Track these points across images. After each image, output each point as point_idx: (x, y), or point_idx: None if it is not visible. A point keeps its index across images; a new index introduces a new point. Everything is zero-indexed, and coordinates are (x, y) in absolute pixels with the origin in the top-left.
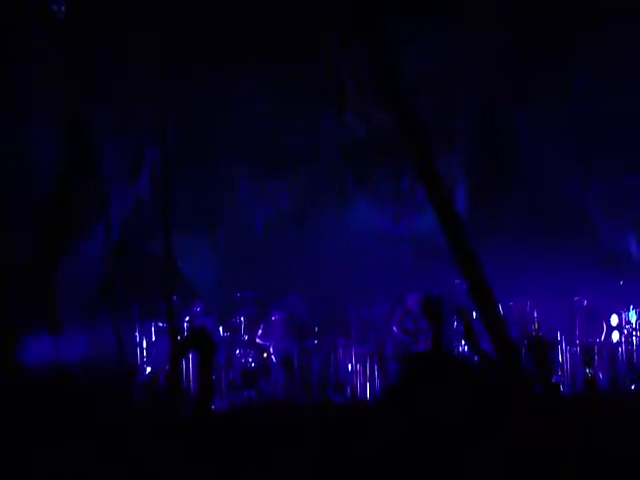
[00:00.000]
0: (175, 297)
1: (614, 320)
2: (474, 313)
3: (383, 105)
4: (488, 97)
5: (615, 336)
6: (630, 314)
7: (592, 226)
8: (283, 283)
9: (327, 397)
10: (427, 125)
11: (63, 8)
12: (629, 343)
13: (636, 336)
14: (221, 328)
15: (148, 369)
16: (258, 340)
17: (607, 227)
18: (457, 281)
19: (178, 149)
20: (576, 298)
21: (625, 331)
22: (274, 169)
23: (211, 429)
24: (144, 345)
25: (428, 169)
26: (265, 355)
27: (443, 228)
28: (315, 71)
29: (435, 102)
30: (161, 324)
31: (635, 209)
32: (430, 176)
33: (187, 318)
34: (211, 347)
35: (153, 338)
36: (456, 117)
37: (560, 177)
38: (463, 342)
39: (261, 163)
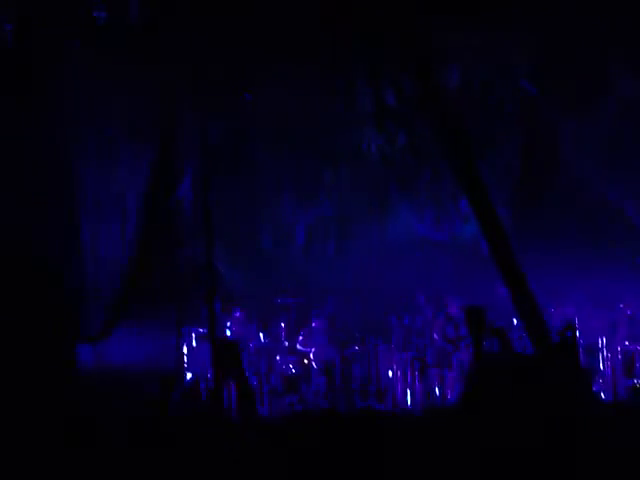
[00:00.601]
0: (216, 303)
1: None
2: (514, 320)
3: (424, 113)
4: (530, 103)
5: None
6: None
7: (636, 234)
8: (324, 289)
9: (369, 404)
10: (469, 131)
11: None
12: None
13: None
14: (261, 334)
15: (189, 375)
16: (299, 346)
17: None
18: (500, 289)
19: (219, 155)
20: (621, 305)
21: None
22: (315, 174)
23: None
24: (184, 351)
25: (470, 176)
26: (306, 362)
27: (485, 235)
28: (356, 78)
29: (477, 108)
30: (202, 330)
31: None
32: (472, 183)
33: (228, 324)
34: (239, 359)
35: (194, 344)
36: (498, 123)
37: (603, 184)
38: None
39: (302, 169)
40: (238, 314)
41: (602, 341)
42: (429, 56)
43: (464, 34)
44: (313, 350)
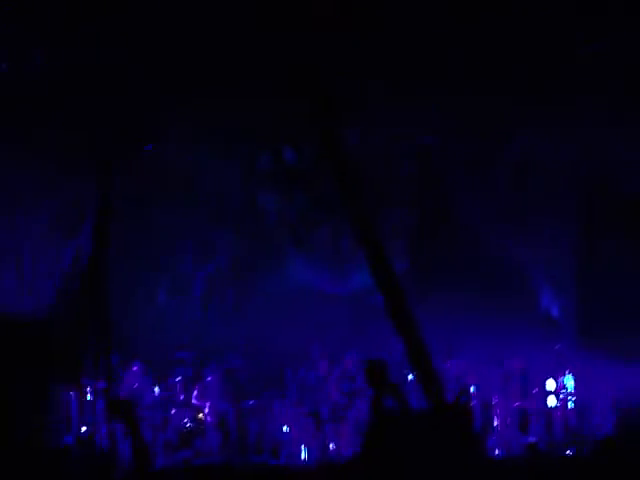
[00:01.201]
0: (114, 356)
1: (550, 384)
2: (410, 376)
3: (323, 170)
4: (426, 158)
5: (551, 401)
6: (566, 379)
7: (531, 290)
8: (220, 343)
9: (263, 459)
10: (366, 186)
11: None
12: (564, 408)
13: (571, 400)
14: (157, 388)
15: (83, 428)
16: (194, 400)
17: (545, 291)
18: (396, 343)
19: (117, 207)
20: (514, 361)
21: (561, 396)
22: (214, 228)
23: None
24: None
25: (367, 231)
26: (201, 416)
27: (380, 289)
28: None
29: (375, 162)
30: (99, 384)
31: (571, 271)
32: (368, 238)
33: (123, 377)
34: (132, 416)
35: (88, 397)
36: (394, 177)
37: (498, 238)
38: None
39: (201, 222)
40: (136, 368)
41: (496, 397)
42: (329, 116)
43: (364, 95)
44: (208, 404)
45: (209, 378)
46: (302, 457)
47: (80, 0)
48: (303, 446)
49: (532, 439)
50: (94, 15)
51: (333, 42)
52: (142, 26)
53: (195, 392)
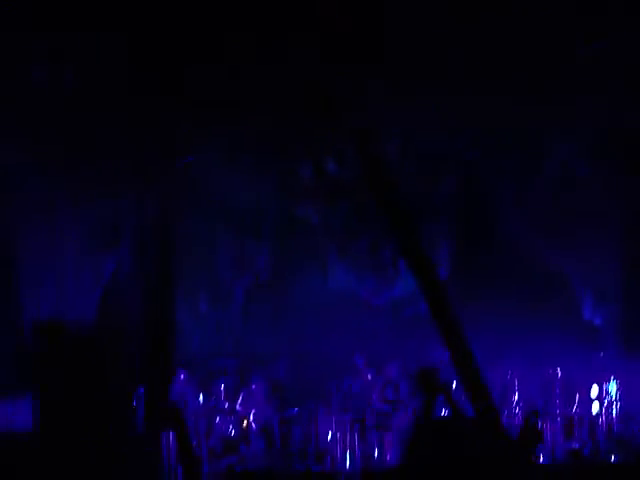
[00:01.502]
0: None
1: (594, 391)
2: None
3: (364, 180)
4: (469, 165)
5: (595, 407)
6: (610, 385)
7: (573, 298)
8: (264, 351)
9: (307, 466)
10: (409, 195)
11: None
12: (609, 414)
13: (616, 407)
14: (201, 396)
15: None
16: (238, 408)
17: (587, 299)
18: (438, 350)
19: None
20: (552, 370)
21: (605, 402)
22: (255, 237)
23: None
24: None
25: (410, 241)
26: (245, 423)
27: (425, 298)
28: (295, 141)
29: (417, 171)
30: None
31: (613, 279)
32: (412, 248)
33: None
34: (182, 424)
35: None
36: (437, 186)
37: (541, 246)
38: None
39: (242, 231)
40: (182, 376)
41: (540, 404)
42: (368, 126)
43: (404, 103)
44: (253, 412)
45: (253, 386)
46: (346, 464)
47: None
48: (347, 453)
49: (575, 445)
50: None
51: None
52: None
53: (240, 399)
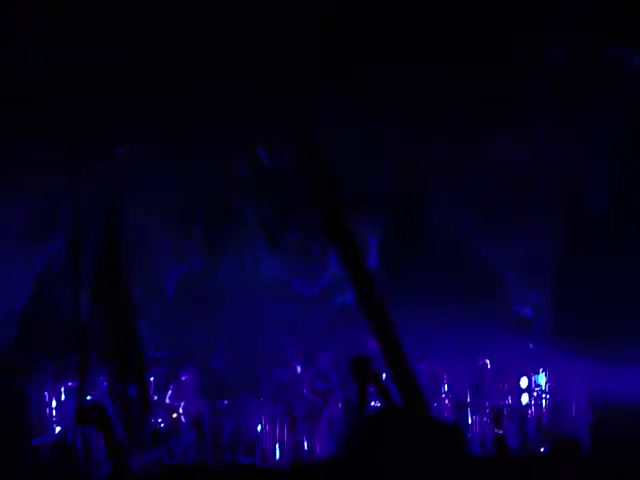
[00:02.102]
0: (91, 356)
1: (524, 382)
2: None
3: (297, 172)
4: (401, 158)
5: (524, 398)
6: (539, 377)
7: (503, 289)
8: (196, 343)
9: (236, 458)
10: (340, 186)
11: None
12: (538, 405)
13: (545, 399)
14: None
15: (57, 428)
16: (168, 400)
17: (517, 289)
18: (369, 341)
19: (91, 210)
20: (481, 362)
21: (535, 393)
22: (186, 231)
23: None
24: (53, 405)
25: (340, 231)
26: (175, 415)
27: (354, 287)
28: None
29: (349, 164)
30: (70, 383)
31: (544, 271)
32: (341, 238)
33: (101, 377)
34: (104, 420)
35: (62, 397)
36: (369, 178)
37: (472, 237)
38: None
39: (176, 222)
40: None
41: (470, 396)
42: (302, 119)
43: (336, 98)
44: (182, 404)
45: (183, 377)
46: (276, 456)
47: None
48: (277, 445)
49: (499, 432)
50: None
51: None
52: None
53: (169, 392)
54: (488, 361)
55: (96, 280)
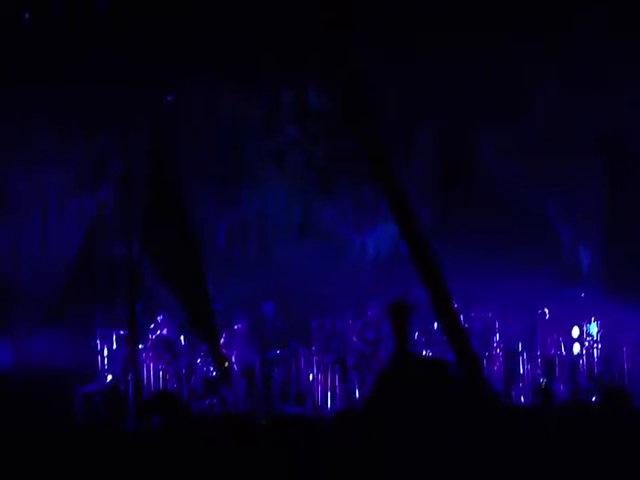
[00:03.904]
0: (138, 306)
1: (575, 332)
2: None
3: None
4: (449, 112)
5: (576, 348)
6: (591, 326)
7: (554, 238)
8: (247, 293)
9: (289, 407)
10: (389, 139)
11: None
12: (589, 355)
13: (596, 348)
14: (182, 337)
15: (109, 377)
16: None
17: (568, 239)
18: (418, 291)
19: (141, 157)
20: (540, 311)
21: (586, 343)
22: (237, 178)
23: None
24: (105, 353)
25: (389, 179)
26: (227, 364)
27: (404, 238)
28: (280, 81)
29: (397, 117)
30: (122, 332)
31: (595, 221)
32: (391, 186)
33: (152, 326)
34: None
35: (114, 346)
36: (417, 132)
37: (521, 189)
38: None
39: (223, 172)
40: (160, 317)
41: (521, 346)
42: (352, 67)
43: (384, 49)
44: (234, 353)
45: (236, 326)
46: (327, 405)
47: None
48: (329, 394)
49: (543, 380)
50: None
51: None
52: None
53: (221, 341)
54: (547, 310)
55: (148, 227)
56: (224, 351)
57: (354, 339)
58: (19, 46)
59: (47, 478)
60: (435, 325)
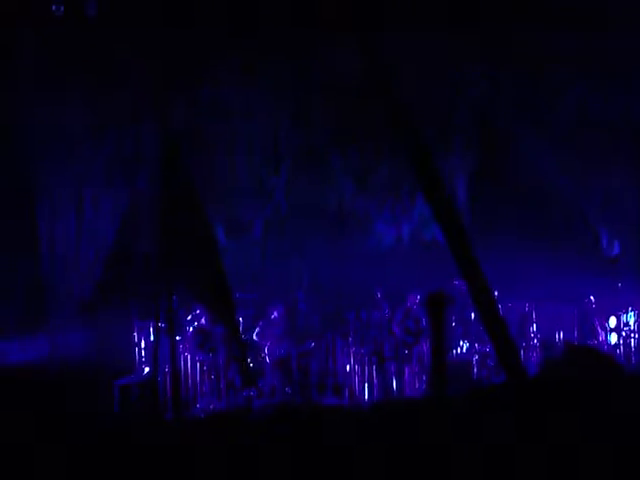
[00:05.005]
0: (175, 297)
1: (612, 322)
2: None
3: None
4: (486, 95)
5: (613, 338)
6: (628, 316)
7: (591, 227)
8: (281, 285)
9: (326, 398)
10: (425, 124)
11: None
12: (627, 345)
13: (634, 338)
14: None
15: (146, 369)
16: (255, 337)
17: (604, 229)
18: (456, 282)
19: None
20: (586, 300)
21: (623, 333)
22: (272, 171)
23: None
24: (142, 345)
25: (428, 172)
26: (262, 356)
27: (442, 230)
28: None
29: (432, 100)
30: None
31: (632, 209)
32: (429, 179)
33: (189, 317)
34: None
35: (152, 338)
36: (454, 121)
37: (560, 183)
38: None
39: (259, 165)
40: (198, 309)
41: (559, 336)
42: (385, 63)
43: (419, 40)
44: (269, 344)
45: (272, 316)
46: (364, 396)
47: None
48: (366, 385)
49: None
50: None
51: None
52: None
53: (257, 330)
54: (592, 298)
55: (175, 218)
56: (257, 341)
57: (395, 329)
58: (58, 40)
59: (86, 468)
60: (472, 315)
